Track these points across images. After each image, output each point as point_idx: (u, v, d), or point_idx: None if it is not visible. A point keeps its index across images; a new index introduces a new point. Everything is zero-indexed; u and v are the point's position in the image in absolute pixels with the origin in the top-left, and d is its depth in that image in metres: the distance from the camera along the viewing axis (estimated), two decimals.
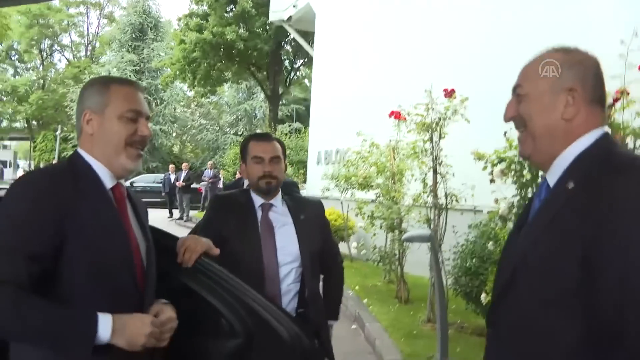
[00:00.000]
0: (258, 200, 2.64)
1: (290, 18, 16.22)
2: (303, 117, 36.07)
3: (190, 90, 30.17)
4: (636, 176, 1.24)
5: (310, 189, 14.05)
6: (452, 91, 5.80)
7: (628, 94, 4.40)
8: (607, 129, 1.46)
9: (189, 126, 40.30)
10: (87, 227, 1.57)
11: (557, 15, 6.48)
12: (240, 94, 40.22)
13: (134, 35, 35.71)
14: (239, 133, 39.21)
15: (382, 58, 10.59)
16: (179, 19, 26.24)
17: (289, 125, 34.84)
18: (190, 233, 2.50)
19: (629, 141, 4.39)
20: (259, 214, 2.62)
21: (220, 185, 19.42)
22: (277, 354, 1.91)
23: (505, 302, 1.43)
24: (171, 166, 20.63)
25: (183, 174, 18.53)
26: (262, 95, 35.31)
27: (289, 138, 22.18)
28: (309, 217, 2.69)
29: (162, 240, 1.95)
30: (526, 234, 1.43)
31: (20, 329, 1.44)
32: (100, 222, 1.61)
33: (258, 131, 34.08)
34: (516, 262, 1.41)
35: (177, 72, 25.74)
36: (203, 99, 34.94)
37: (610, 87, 4.35)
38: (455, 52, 8.22)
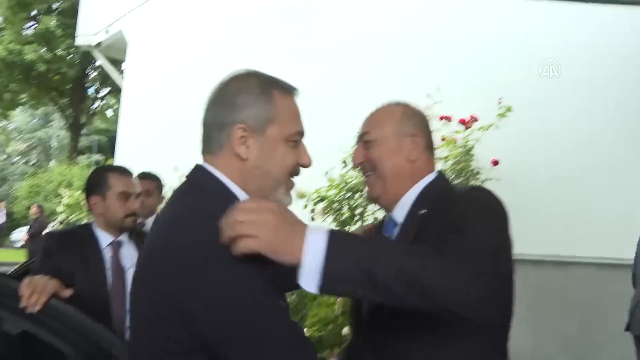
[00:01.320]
0: (105, 238, 2.40)
1: (99, 44, 15.38)
2: (105, 149, 34.18)
3: None
4: (474, 194, 1.46)
5: None
6: None
7: None
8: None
9: None
10: None
11: (377, 68, 6.99)
12: (36, 120, 37.06)
13: None
14: (32, 162, 35.94)
15: (200, 93, 10.44)
16: None
17: (88, 157, 32.77)
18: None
19: None
20: (107, 253, 2.37)
21: (3, 218, 17.49)
22: None
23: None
24: None
25: None
26: (59, 123, 32.83)
27: (90, 170, 20.81)
28: None
29: None
30: None
31: None
32: None
33: (52, 161, 31.49)
34: None
35: None
36: None
37: None
38: None
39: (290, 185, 1.32)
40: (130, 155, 13.40)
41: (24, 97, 24.64)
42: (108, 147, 33.00)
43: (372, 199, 1.62)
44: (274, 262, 1.08)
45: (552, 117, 5.18)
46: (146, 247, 1.20)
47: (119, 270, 2.36)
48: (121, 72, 16.26)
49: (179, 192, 1.28)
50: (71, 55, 22.98)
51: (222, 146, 1.25)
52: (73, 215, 11.08)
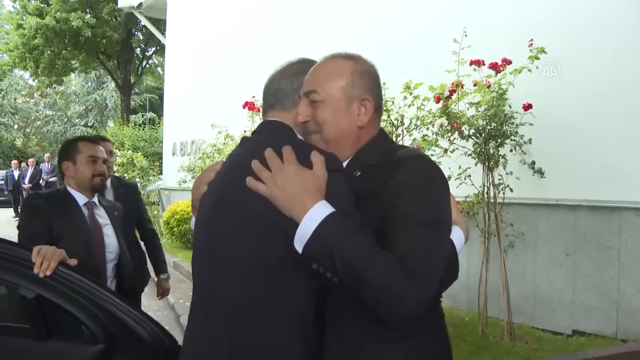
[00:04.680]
0: (81, 198, 2.72)
1: (140, 5, 15.55)
2: (156, 107, 34.80)
3: (34, 79, 27.82)
4: (412, 165, 1.40)
5: (166, 181, 13.67)
6: None
7: (462, 86, 4.75)
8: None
9: (32, 118, 37.48)
10: None
11: (402, 12, 6.81)
12: (90, 84, 38.04)
13: None
14: (90, 124, 37.09)
15: (236, 48, 10.51)
16: (15, 0, 24.15)
17: (142, 116, 33.50)
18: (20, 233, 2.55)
19: (465, 129, 4.74)
20: (85, 212, 2.70)
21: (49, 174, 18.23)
22: (140, 355, 1.94)
23: None
24: (14, 162, 19.40)
25: (29, 171, 17.12)
26: (112, 85, 33.56)
27: (143, 129, 21.26)
28: (120, 210, 2.98)
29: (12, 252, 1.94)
30: None
31: None
32: None
33: (110, 123, 32.36)
34: None
35: (17, 60, 23.66)
36: (48, 89, 32.58)
37: (446, 80, 4.69)
38: (310, 41, 8.35)
39: None
40: (175, 111, 13.71)
41: (75, 63, 25.29)
42: (160, 104, 33.59)
43: None
44: None
45: (590, 58, 4.94)
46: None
47: (97, 226, 2.72)
48: (164, 30, 16.41)
49: (256, 138, 1.60)
50: (115, 19, 23.27)
51: (296, 104, 1.57)
52: (126, 174, 11.54)
